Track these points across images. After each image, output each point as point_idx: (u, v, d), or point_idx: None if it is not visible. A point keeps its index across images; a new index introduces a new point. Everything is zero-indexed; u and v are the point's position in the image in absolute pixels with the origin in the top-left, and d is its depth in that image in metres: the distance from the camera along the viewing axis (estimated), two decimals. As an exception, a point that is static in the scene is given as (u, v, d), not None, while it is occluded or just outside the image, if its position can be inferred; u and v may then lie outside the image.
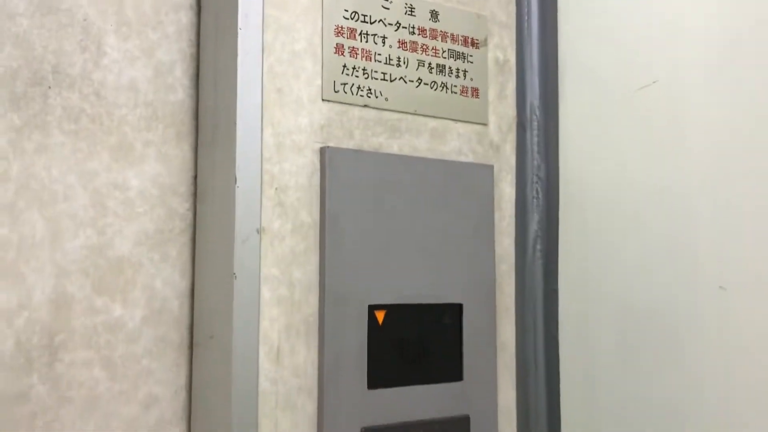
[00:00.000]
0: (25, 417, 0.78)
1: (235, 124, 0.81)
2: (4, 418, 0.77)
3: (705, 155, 0.88)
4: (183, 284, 0.88)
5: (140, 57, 0.88)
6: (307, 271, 0.84)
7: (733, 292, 0.81)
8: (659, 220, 0.92)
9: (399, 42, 0.94)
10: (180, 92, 0.90)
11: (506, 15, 1.04)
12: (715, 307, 0.83)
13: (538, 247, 1.03)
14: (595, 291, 1.00)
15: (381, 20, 0.92)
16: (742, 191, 0.83)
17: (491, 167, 1.00)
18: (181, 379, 0.87)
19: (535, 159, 1.05)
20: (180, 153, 0.89)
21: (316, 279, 0.85)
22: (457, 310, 0.94)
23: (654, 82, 0.93)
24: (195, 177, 0.90)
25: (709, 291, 0.83)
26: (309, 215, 0.85)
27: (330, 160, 0.86)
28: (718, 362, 0.85)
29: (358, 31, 0.90)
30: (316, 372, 0.83)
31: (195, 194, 0.90)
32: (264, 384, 0.80)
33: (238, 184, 0.80)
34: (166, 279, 0.87)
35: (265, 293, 0.81)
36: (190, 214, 0.90)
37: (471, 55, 1.00)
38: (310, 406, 0.83)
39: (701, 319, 0.85)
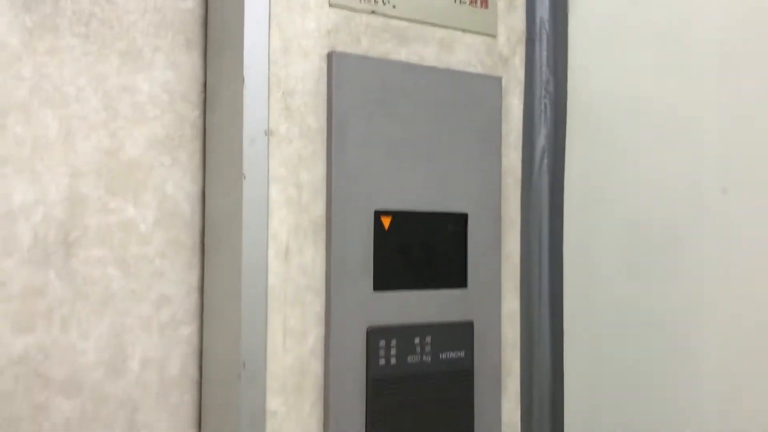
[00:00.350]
0: (43, 310, 0.81)
1: (242, 26, 0.82)
2: (25, 311, 0.80)
3: (711, 62, 0.88)
4: (194, 189, 0.90)
5: (149, -37, 0.88)
6: (315, 174, 0.86)
7: (736, 194, 0.82)
8: (664, 129, 0.92)
9: (407, -50, 0.93)
10: (189, 0, 0.91)
11: (517, -74, 1.03)
12: (717, 210, 0.84)
13: (545, 161, 1.04)
14: (600, 203, 1.01)
15: (389, -74, 0.92)
16: (746, 93, 0.83)
17: (499, 79, 1.00)
18: (193, 280, 0.90)
19: (543, 73, 1.05)
20: (189, 60, 0.90)
21: (323, 182, 0.86)
22: (462, 219, 0.95)
23: (663, -10, 0.93)
24: (204, 85, 0.91)
25: (711, 194, 0.84)
26: (316, 120, 0.86)
27: (337, 66, 0.87)
28: (720, 266, 0.86)
29: (366, -63, 0.90)
30: (323, 272, 0.86)
31: (205, 102, 0.91)
32: (273, 281, 0.82)
33: (245, 84, 0.81)
34: (177, 183, 0.89)
35: (274, 194, 0.83)
36: (200, 122, 0.91)
37: (480, -34, 1.00)
38: (317, 304, 0.85)
39: (704, 222, 0.86)
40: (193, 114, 0.90)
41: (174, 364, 0.88)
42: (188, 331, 0.89)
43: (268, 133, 0.82)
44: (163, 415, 0.87)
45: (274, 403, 0.82)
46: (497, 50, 1.01)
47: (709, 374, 0.92)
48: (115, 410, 0.84)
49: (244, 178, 0.80)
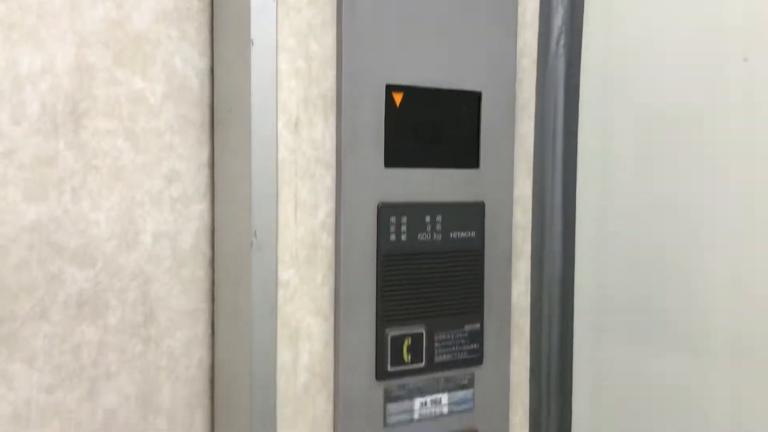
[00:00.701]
0: (54, 180, 0.81)
1: None
2: (36, 180, 0.80)
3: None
4: (202, 64, 0.89)
5: None
6: (324, 45, 0.84)
7: (757, 62, 0.80)
8: (683, 5, 0.89)
9: None
10: None
11: None
12: (739, 79, 0.82)
13: (562, 42, 1.02)
14: (618, 84, 0.99)
15: None
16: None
17: (515, -46, 0.97)
18: (204, 157, 0.89)
19: (562, -49, 1.01)
20: (196, -70, 0.88)
21: (333, 54, 0.84)
22: (475, 98, 0.94)
23: None
24: (211, -44, 0.89)
25: (733, 64, 0.82)
26: (326, -12, 0.84)
27: (347, -68, 0.84)
28: (741, 143, 0.85)
29: None
30: (333, 146, 0.85)
31: (212, -26, 0.89)
32: (283, 153, 0.82)
33: (253, -50, 0.78)
34: (186, 57, 0.88)
35: (282, 64, 0.81)
36: (207, -6, 0.89)
37: None
38: (328, 178, 0.85)
39: (725, 95, 0.84)
40: (201, -14, 0.88)
41: (186, 239, 0.89)
42: (200, 207, 0.89)
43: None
44: (176, 289, 0.88)
45: (285, 274, 0.83)
46: (514, -76, 0.97)
47: (723, 259, 0.92)
48: (128, 282, 0.85)
49: (253, 44, 0.79)
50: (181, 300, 0.89)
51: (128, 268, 0.85)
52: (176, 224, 0.88)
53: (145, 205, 0.86)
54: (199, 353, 0.90)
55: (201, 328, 0.90)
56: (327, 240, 0.85)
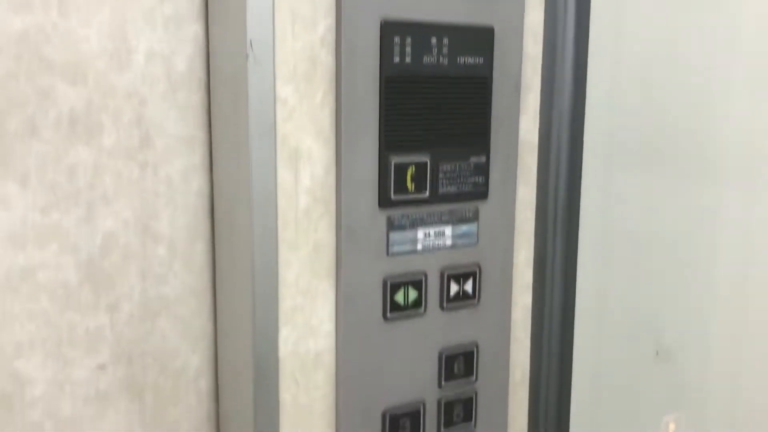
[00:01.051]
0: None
1: None
2: (18, -11, 0.76)
3: None
4: None
5: None
6: None
7: None
8: None
9: None
10: None
11: None
12: None
13: None
14: None
15: None
16: None
17: None
18: (197, -25, 0.85)
19: None
20: None
21: None
22: None
23: None
24: None
25: None
26: None
27: None
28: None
29: None
30: (333, -44, 0.80)
31: None
32: (279, -40, 0.77)
33: None
34: None
35: None
36: None
37: None
38: (327, -8, 0.80)
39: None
40: None
41: (180, 61, 0.85)
42: (194, 28, 0.85)
43: None
44: (171, 113, 0.86)
45: (283, 90, 0.79)
46: None
47: (737, 87, 0.88)
48: (122, 103, 0.82)
49: None
50: (177, 126, 0.86)
51: (121, 88, 0.82)
52: (170, 45, 0.84)
53: (137, 22, 0.82)
54: (198, 181, 0.88)
55: (198, 157, 0.88)
56: (327, 57, 0.81)
